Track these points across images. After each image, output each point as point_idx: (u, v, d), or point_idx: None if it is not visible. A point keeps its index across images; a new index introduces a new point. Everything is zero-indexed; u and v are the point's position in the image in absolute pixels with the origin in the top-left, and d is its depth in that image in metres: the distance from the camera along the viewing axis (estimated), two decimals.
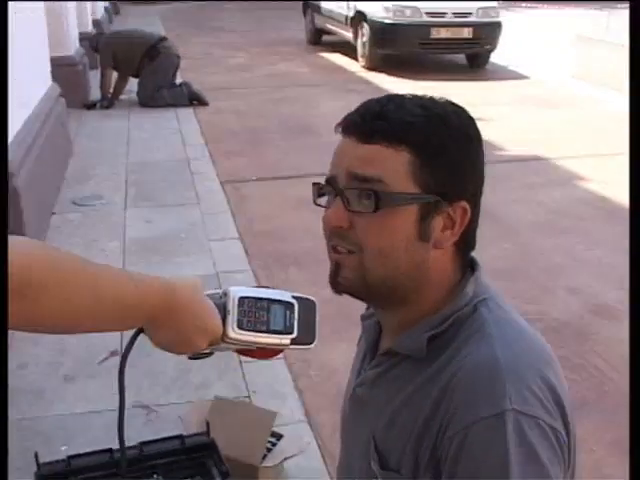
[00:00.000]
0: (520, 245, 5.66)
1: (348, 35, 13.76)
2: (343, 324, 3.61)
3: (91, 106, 9.64)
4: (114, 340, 3.74)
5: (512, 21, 16.06)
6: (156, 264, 4.96)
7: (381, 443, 1.27)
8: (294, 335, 1.18)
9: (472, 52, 13.09)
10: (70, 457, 2.34)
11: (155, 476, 2.34)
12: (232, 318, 1.14)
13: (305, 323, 1.20)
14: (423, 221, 1.19)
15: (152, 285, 1.07)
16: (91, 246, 5.29)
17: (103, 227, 5.72)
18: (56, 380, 3.75)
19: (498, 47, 12.93)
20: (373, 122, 1.18)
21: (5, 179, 1.92)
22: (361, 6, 12.95)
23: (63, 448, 3.07)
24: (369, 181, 1.17)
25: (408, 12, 12.45)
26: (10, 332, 3.26)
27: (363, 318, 1.43)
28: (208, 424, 2.51)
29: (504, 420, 1.07)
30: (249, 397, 3.55)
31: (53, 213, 5.93)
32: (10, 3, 5.21)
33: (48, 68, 7.16)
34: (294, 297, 1.20)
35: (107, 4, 18.57)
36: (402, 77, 11.91)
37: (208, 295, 1.16)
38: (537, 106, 10.18)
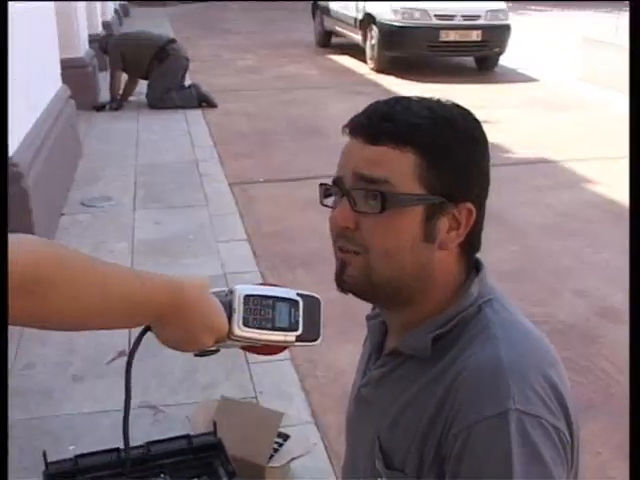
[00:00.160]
0: (527, 247, 5.66)
1: (357, 37, 13.75)
2: (350, 325, 3.61)
3: (100, 108, 9.67)
4: (122, 340, 3.76)
5: (521, 24, 16.04)
6: (164, 265, 4.97)
7: (386, 443, 1.28)
8: (299, 332, 1.20)
9: (481, 55, 13.07)
10: (78, 456, 2.36)
11: (162, 475, 2.35)
12: (238, 316, 1.16)
13: (310, 320, 1.21)
14: (428, 222, 1.20)
15: (159, 283, 1.09)
16: (100, 247, 5.31)
17: (112, 228, 5.74)
18: (64, 380, 3.76)
19: (507, 50, 12.91)
20: (380, 124, 1.19)
21: (5, 179, 1.93)
22: (370, 8, 12.95)
23: (71, 447, 3.09)
24: (375, 182, 1.18)
25: (417, 15, 12.45)
26: (18, 332, 3.30)
27: (368, 318, 1.44)
28: (215, 424, 2.52)
29: (507, 420, 1.08)
30: (256, 398, 3.56)
31: (62, 214, 5.95)
32: (20, 5, 5.25)
33: (58, 70, 7.19)
34: (299, 294, 1.21)
35: (117, 6, 18.62)
36: (411, 79, 11.91)
37: (214, 293, 1.17)
38: (545, 109, 10.18)
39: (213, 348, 1.20)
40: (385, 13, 12.58)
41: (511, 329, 1.21)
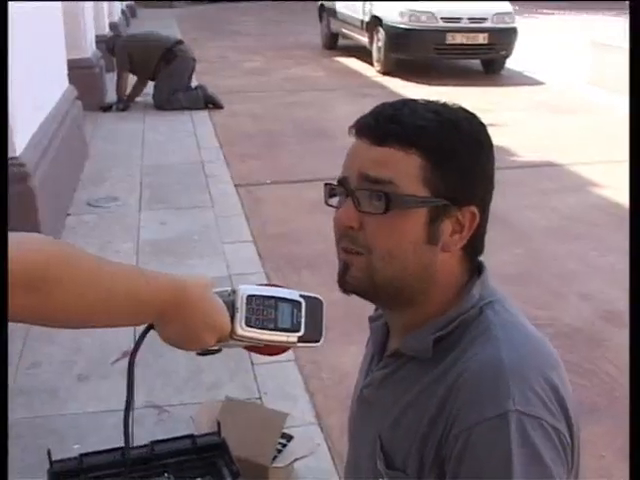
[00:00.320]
0: (532, 251, 5.66)
1: (364, 40, 13.77)
2: (354, 327, 3.62)
3: (107, 108, 9.69)
4: (127, 340, 3.76)
5: (528, 27, 16.04)
6: (169, 266, 4.98)
7: (387, 443, 1.29)
8: (301, 333, 1.20)
9: (487, 58, 13.06)
10: (82, 455, 2.36)
11: (166, 475, 2.36)
12: (240, 316, 1.16)
13: (312, 321, 1.21)
14: (432, 224, 1.21)
15: (163, 282, 1.10)
16: (105, 247, 5.32)
17: (117, 228, 5.76)
18: (69, 379, 3.77)
19: (514, 53, 12.90)
20: (386, 125, 1.20)
21: (5, 179, 1.94)
22: (377, 11, 12.96)
23: (76, 446, 3.09)
24: (380, 183, 1.19)
25: (424, 17, 12.45)
26: (24, 332, 3.31)
27: (371, 320, 1.45)
28: (219, 424, 2.53)
29: (507, 421, 1.09)
30: (260, 399, 3.57)
31: (68, 214, 5.97)
32: (28, 6, 5.26)
33: (65, 70, 7.20)
34: (301, 295, 1.22)
35: (124, 7, 18.65)
36: (417, 82, 11.91)
37: (217, 293, 1.18)
38: (552, 112, 10.17)
39: (215, 347, 1.21)
40: (392, 15, 12.58)
41: (512, 331, 1.22)
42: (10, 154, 4.49)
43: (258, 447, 2.89)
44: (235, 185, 6.88)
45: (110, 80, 10.21)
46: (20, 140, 4.69)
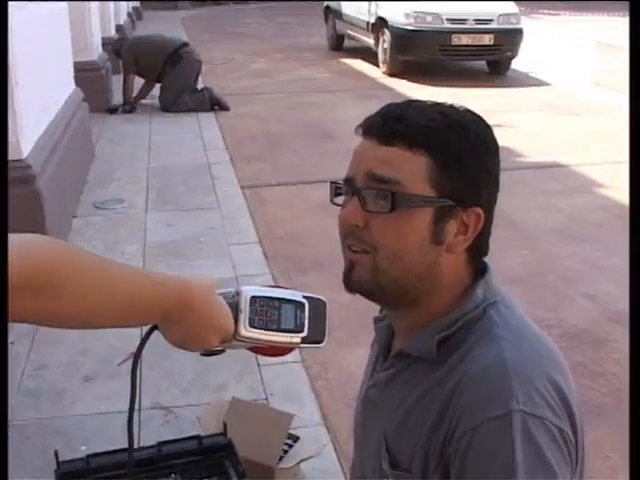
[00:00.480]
0: (539, 252, 5.66)
1: (369, 41, 13.76)
2: (360, 328, 3.62)
3: (113, 110, 9.71)
4: (134, 341, 3.75)
5: (534, 28, 16.02)
6: (176, 267, 4.99)
7: (392, 443, 1.29)
8: (304, 334, 1.21)
9: (493, 59, 13.05)
10: (89, 456, 2.38)
11: (173, 476, 2.37)
12: (244, 317, 1.17)
13: (315, 322, 1.22)
14: (437, 224, 1.21)
15: (168, 284, 1.10)
16: (112, 249, 5.34)
17: (124, 230, 5.77)
18: (76, 381, 3.78)
19: (519, 54, 12.88)
20: (394, 125, 1.21)
21: (5, 179, 1.95)
22: (382, 12, 12.96)
23: (82, 447, 3.11)
24: (387, 182, 1.19)
25: (429, 18, 12.44)
26: (31, 334, 3.33)
27: (376, 320, 1.46)
28: (225, 425, 2.54)
29: (511, 421, 1.09)
30: (267, 399, 3.57)
31: (75, 216, 5.98)
32: (35, 8, 5.28)
33: (71, 73, 7.23)
34: (305, 297, 1.23)
35: (130, 9, 18.69)
36: (423, 83, 11.91)
37: (221, 294, 1.18)
38: (558, 113, 10.16)
39: (219, 348, 1.21)
40: (397, 17, 12.57)
41: (516, 331, 1.22)
42: (17, 156, 4.51)
43: (264, 448, 2.90)
44: (241, 186, 6.89)
45: (116, 82, 10.23)
46: (27, 142, 4.70)
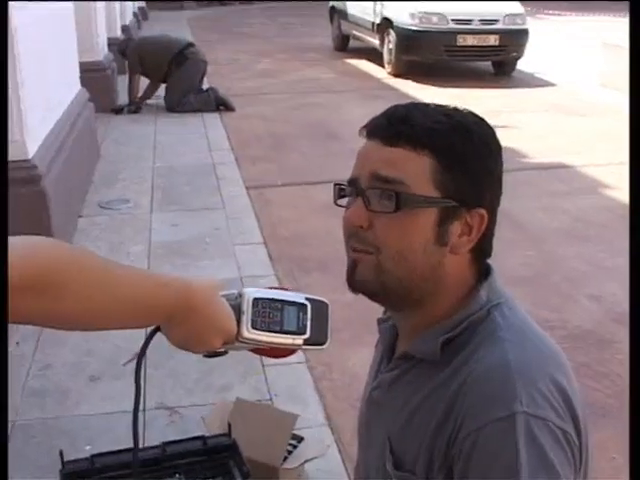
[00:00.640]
0: (544, 252, 5.65)
1: (374, 41, 13.76)
2: (364, 329, 3.62)
3: (119, 111, 9.72)
4: (139, 342, 3.77)
5: (539, 28, 16.00)
6: (181, 267, 5.00)
7: (396, 445, 1.29)
8: (307, 336, 1.21)
9: (498, 59, 13.04)
10: (94, 456, 2.38)
11: (177, 476, 2.37)
12: (246, 318, 1.17)
13: (318, 324, 1.22)
14: (441, 225, 1.22)
15: (171, 286, 1.11)
16: (117, 249, 5.34)
17: (129, 230, 5.78)
18: (81, 381, 3.79)
19: (525, 54, 12.87)
20: (399, 126, 1.22)
21: (5, 179, 1.96)
22: (388, 12, 12.96)
23: (87, 447, 3.11)
24: (391, 182, 1.20)
25: (434, 19, 12.43)
26: (37, 334, 3.33)
27: (380, 322, 1.46)
28: (230, 425, 2.54)
29: (515, 422, 1.09)
30: (271, 400, 3.58)
31: (80, 216, 5.99)
32: (40, 9, 5.29)
33: (77, 73, 7.24)
34: (307, 299, 1.23)
35: (136, 9, 18.71)
36: (428, 84, 11.90)
37: (224, 296, 1.18)
38: (563, 113, 10.15)
39: (222, 350, 1.22)
40: (402, 17, 12.57)
41: (519, 333, 1.23)
42: (23, 156, 4.52)
43: (269, 448, 2.90)
44: (246, 187, 6.89)
45: (122, 83, 10.25)
46: (32, 142, 4.71)
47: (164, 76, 9.87)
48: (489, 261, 1.32)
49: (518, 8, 13.02)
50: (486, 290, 1.27)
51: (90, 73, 7.98)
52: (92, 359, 3.96)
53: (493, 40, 12.47)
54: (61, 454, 2.32)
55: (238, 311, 1.18)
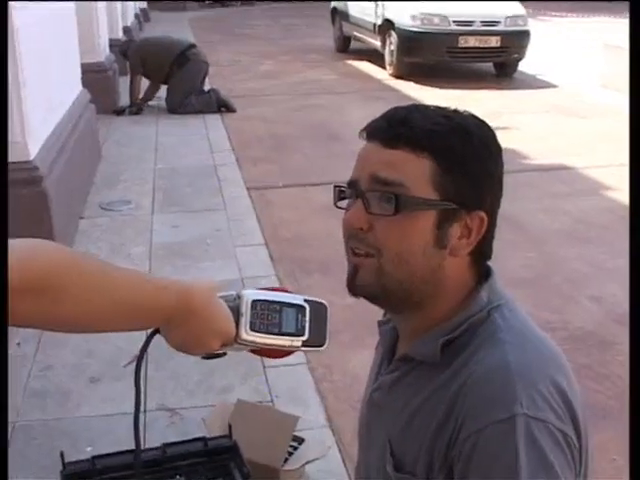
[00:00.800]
0: (545, 254, 5.65)
1: (376, 43, 13.76)
2: (365, 330, 3.62)
3: (120, 112, 9.73)
4: (140, 343, 3.78)
5: (541, 30, 16.00)
6: (182, 269, 5.00)
7: (397, 447, 1.29)
8: (305, 337, 1.21)
9: (500, 61, 13.02)
10: (95, 457, 2.38)
11: (178, 477, 2.37)
12: (245, 320, 1.18)
13: (316, 326, 1.22)
14: (441, 228, 1.22)
15: (169, 289, 1.11)
16: (118, 250, 5.35)
17: (130, 231, 5.78)
18: (82, 382, 3.79)
19: (526, 56, 12.86)
20: (398, 128, 1.22)
21: (5, 179, 1.96)
22: (389, 14, 12.96)
23: (88, 449, 3.11)
24: (391, 184, 1.20)
25: (436, 20, 12.43)
26: (37, 335, 3.33)
27: (380, 324, 1.46)
28: (230, 427, 2.54)
29: (515, 424, 1.09)
30: (272, 401, 3.58)
31: (81, 217, 5.99)
32: (41, 10, 5.29)
33: (78, 74, 7.24)
34: (306, 300, 1.23)
35: (137, 11, 18.72)
36: (429, 85, 11.89)
37: (223, 297, 1.19)
38: (565, 115, 10.15)
39: (220, 351, 1.22)
40: (404, 19, 12.56)
41: (519, 334, 1.23)
42: (24, 157, 4.52)
43: (269, 450, 2.90)
44: (247, 188, 6.89)
45: (123, 84, 10.25)
46: (34, 143, 4.71)
47: (166, 77, 9.87)
48: (489, 262, 1.32)
49: (520, 9, 13.02)
50: (486, 292, 1.27)
51: (92, 74, 7.99)
52: (93, 360, 3.96)
53: (495, 41, 12.46)
54: (62, 455, 2.32)
55: (237, 313, 1.18)
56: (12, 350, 3.94)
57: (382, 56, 13.41)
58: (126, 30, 13.41)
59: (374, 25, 13.60)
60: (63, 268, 0.98)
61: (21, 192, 4.29)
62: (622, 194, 6.75)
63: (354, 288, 1.27)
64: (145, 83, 10.09)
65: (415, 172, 1.20)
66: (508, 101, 10.92)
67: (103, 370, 3.87)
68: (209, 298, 1.15)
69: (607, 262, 5.43)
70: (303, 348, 1.22)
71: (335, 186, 1.32)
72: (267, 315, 1.19)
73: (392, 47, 12.84)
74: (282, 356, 1.28)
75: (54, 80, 5.82)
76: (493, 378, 1.15)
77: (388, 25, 12.93)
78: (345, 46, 15.92)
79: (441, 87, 11.67)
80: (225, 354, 1.24)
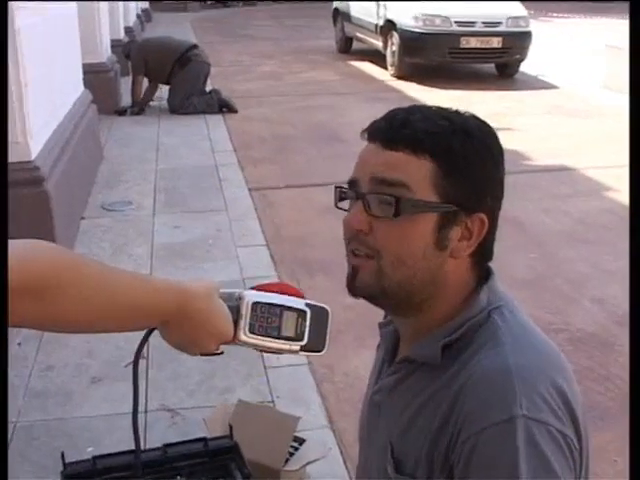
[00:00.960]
0: (546, 255, 5.65)
1: (378, 44, 13.76)
2: (367, 331, 3.62)
3: (122, 112, 9.73)
4: None
5: (543, 30, 16.00)
6: (183, 269, 5.00)
7: (397, 448, 1.29)
8: (304, 342, 1.21)
9: (502, 62, 13.02)
10: (95, 457, 2.38)
11: (178, 478, 2.37)
12: (244, 322, 1.17)
13: (316, 331, 1.22)
14: (441, 230, 1.21)
15: (168, 289, 1.11)
16: (119, 251, 5.35)
17: (132, 232, 5.78)
18: (83, 382, 3.79)
19: (528, 57, 12.87)
20: (399, 129, 1.21)
21: (5, 179, 1.96)
22: (391, 15, 12.96)
23: (89, 449, 3.12)
24: (391, 185, 1.20)
25: (438, 21, 12.43)
26: (38, 336, 3.33)
27: (381, 326, 1.46)
28: (231, 427, 2.53)
29: (515, 426, 1.09)
30: (273, 402, 3.58)
31: (83, 218, 6.00)
32: (43, 10, 5.30)
33: (80, 74, 7.25)
34: (307, 305, 1.22)
35: (139, 11, 18.72)
36: (431, 86, 11.89)
37: (225, 294, 1.19)
38: (566, 116, 10.14)
39: (218, 351, 1.22)
40: (406, 19, 12.57)
41: (520, 336, 1.22)
42: (25, 158, 4.52)
43: (270, 450, 2.90)
44: (249, 189, 6.90)
45: (125, 84, 10.26)
46: (35, 144, 4.71)
47: (168, 78, 9.87)
48: (491, 264, 1.32)
49: (521, 10, 13.01)
50: (486, 293, 1.26)
51: (93, 74, 8.00)
52: (94, 361, 3.97)
53: (496, 42, 12.46)
54: (63, 455, 2.32)
55: (236, 313, 1.18)
56: (13, 350, 3.94)
57: (384, 57, 13.41)
58: (128, 31, 13.42)
59: (376, 26, 13.60)
60: (62, 269, 0.98)
61: (22, 192, 4.29)
62: (623, 195, 6.74)
63: (354, 289, 1.27)
64: (147, 83, 10.09)
65: (415, 174, 1.20)
66: (510, 102, 10.91)
67: (104, 370, 3.87)
68: (208, 300, 1.15)
69: (609, 263, 5.43)
70: (301, 353, 1.22)
71: (336, 187, 1.31)
72: (267, 318, 1.19)
73: (394, 48, 12.85)
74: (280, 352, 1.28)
75: (56, 80, 5.82)
76: (493, 379, 1.14)
77: (390, 26, 12.93)
78: (347, 47, 15.92)
79: (443, 88, 11.67)
80: (222, 353, 1.24)
